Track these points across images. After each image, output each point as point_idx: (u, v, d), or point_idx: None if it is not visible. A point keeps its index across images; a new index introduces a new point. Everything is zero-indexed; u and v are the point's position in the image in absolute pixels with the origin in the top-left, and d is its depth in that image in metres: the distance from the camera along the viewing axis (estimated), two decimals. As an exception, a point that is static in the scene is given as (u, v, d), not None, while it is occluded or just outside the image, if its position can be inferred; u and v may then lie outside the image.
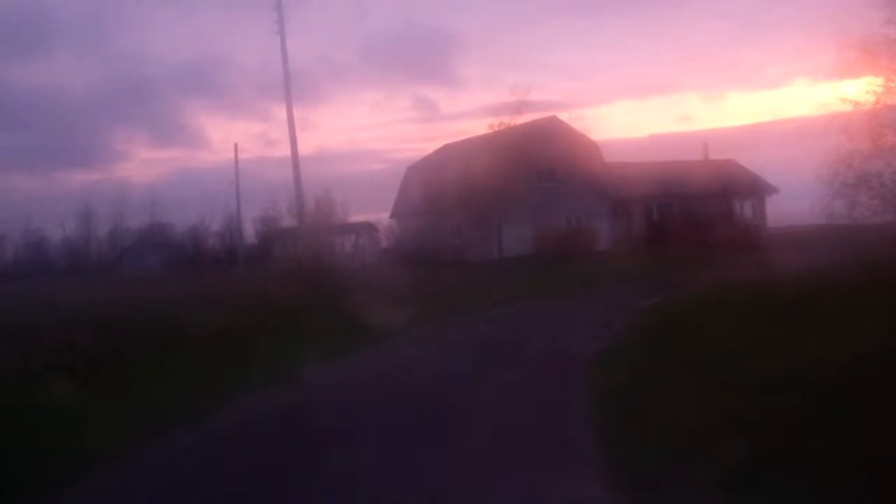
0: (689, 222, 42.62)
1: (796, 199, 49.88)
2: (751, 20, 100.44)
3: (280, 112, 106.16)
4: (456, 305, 21.45)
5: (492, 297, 23.37)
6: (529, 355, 14.03)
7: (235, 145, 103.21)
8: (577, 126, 46.06)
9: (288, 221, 52.95)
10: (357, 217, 58.27)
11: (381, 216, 59.18)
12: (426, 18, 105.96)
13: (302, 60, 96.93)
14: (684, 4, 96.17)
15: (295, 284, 24.94)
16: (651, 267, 32.12)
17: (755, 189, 48.91)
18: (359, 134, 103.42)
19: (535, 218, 42.62)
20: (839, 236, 43.59)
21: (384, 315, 17.61)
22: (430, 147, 78.14)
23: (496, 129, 42.30)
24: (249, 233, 70.83)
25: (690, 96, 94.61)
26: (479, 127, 55.54)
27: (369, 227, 58.94)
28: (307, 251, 35.17)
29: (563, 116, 46.58)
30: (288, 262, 40.14)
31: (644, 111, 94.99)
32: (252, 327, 17.48)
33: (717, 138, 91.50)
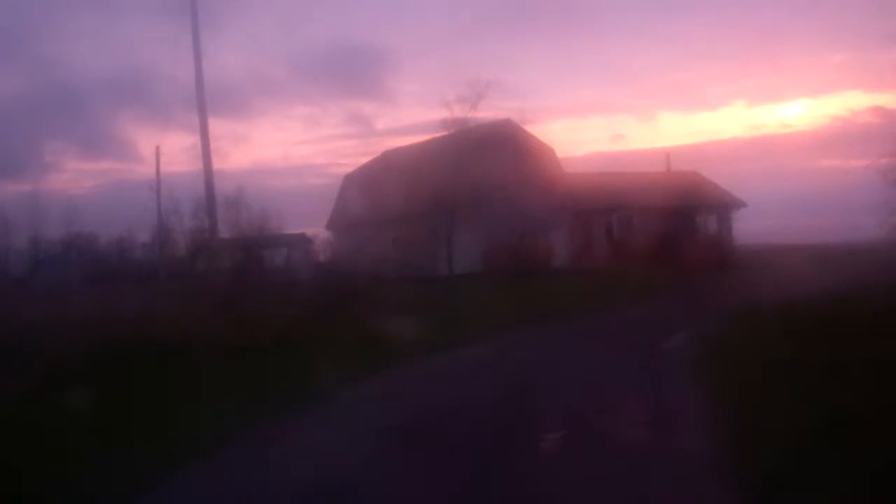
0: (653, 237, 38.95)
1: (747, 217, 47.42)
2: (690, 43, 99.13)
3: (212, 125, 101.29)
4: (402, 346, 15.92)
5: (449, 329, 18.76)
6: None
7: (157, 148, 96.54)
8: (533, 131, 42.12)
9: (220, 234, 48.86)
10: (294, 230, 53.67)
11: (321, 230, 54.66)
12: (360, 34, 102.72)
13: (236, 74, 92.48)
14: (620, 26, 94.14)
15: (203, 305, 20.33)
16: (621, 287, 28.23)
17: (721, 203, 45.52)
18: (296, 148, 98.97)
19: (487, 231, 38.54)
20: (815, 254, 40.64)
21: (296, 367, 13.44)
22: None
23: (449, 124, 38.00)
24: (181, 246, 66.26)
25: (626, 116, 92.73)
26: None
27: (303, 240, 54.09)
28: (225, 266, 30.81)
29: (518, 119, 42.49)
30: (205, 278, 35.34)
31: (582, 130, 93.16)
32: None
33: (656, 156, 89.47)
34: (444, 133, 38.77)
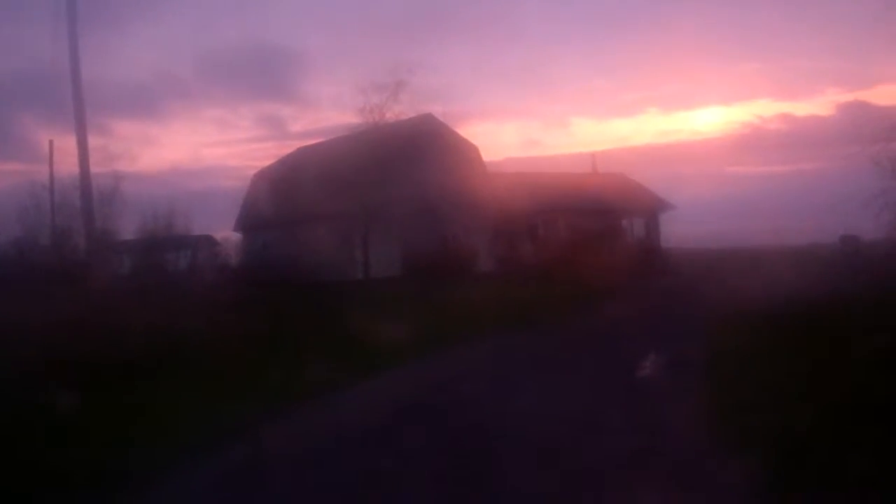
0: (580, 241, 37.07)
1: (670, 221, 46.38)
2: (605, 51, 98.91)
3: (121, 127, 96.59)
4: (294, 379, 12.54)
5: (362, 346, 15.55)
6: None
7: (51, 142, 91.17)
8: (456, 128, 39.79)
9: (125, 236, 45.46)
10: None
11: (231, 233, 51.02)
12: (275, 36, 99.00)
13: (145, 75, 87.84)
14: (535, 33, 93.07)
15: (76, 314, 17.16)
16: (551, 294, 26.02)
17: (648, 206, 43.96)
18: (209, 151, 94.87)
19: (406, 232, 35.98)
20: (743, 258, 39.43)
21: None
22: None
23: (366, 113, 35.23)
24: (82, 249, 62.08)
25: (540, 122, 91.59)
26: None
27: (209, 242, 50.49)
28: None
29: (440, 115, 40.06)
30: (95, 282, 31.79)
31: (497, 135, 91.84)
32: None
33: (572, 162, 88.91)
34: (361, 127, 35.98)
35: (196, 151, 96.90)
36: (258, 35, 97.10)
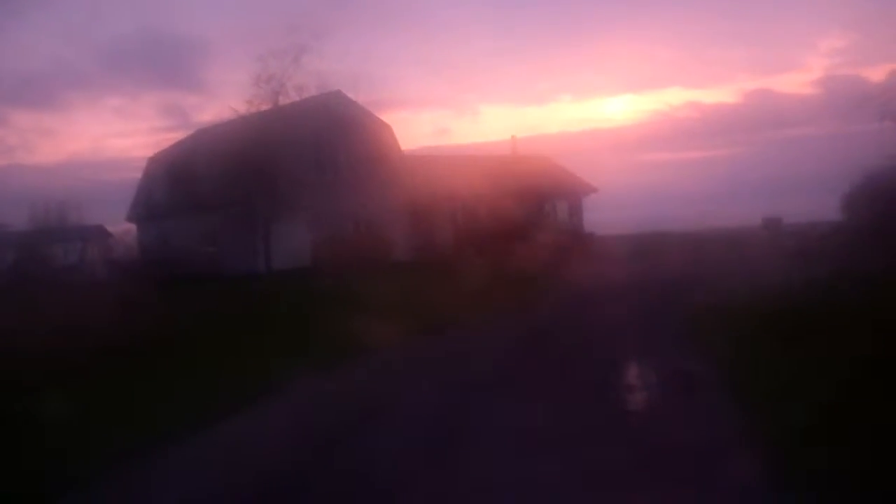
0: (502, 226, 34.83)
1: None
2: (517, 38, 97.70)
3: (18, 117, 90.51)
4: (176, 404, 9.73)
5: (253, 362, 12.52)
6: None
7: None
8: (369, 106, 36.95)
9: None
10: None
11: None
12: (175, 24, 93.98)
13: (44, 63, 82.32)
14: (444, 20, 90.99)
15: None
16: (478, 287, 23.49)
17: (571, 189, 41.99)
18: (112, 141, 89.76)
19: (316, 219, 33.12)
20: (672, 242, 37.90)
21: None
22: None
23: (262, 83, 31.91)
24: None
25: (453, 110, 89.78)
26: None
27: (101, 233, 46.59)
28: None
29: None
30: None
31: (408, 125, 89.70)
32: None
33: (496, 148, 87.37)
34: (259, 100, 32.64)
35: (98, 142, 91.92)
36: (161, 23, 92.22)
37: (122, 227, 44.80)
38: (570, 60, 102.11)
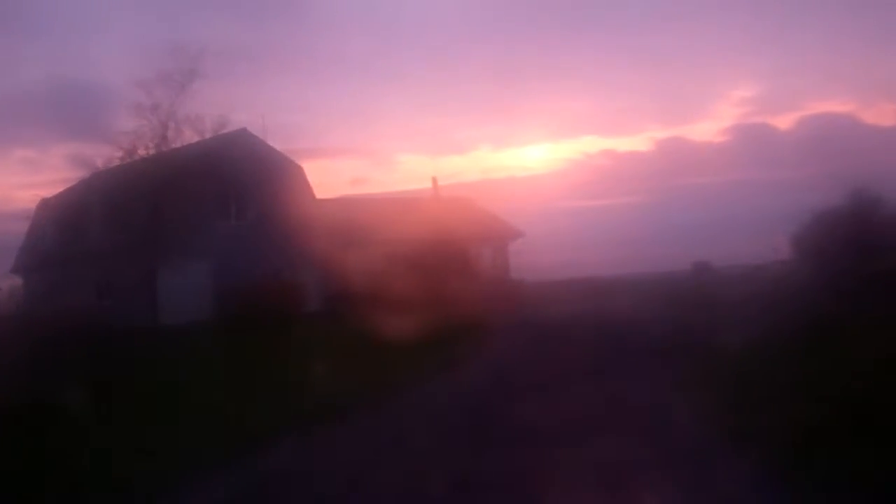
0: (422, 273, 32.34)
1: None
2: (437, 88, 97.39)
3: None
4: None
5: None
6: None
7: None
8: (278, 146, 34.33)
9: None
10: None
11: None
12: (84, 73, 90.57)
13: None
14: (361, 69, 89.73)
15: None
16: (396, 345, 20.80)
17: (496, 233, 39.81)
18: (19, 193, 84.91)
19: (218, 267, 30.15)
20: (600, 288, 36.02)
21: None
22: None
23: (148, 116, 29.06)
24: None
25: (371, 159, 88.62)
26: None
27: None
28: None
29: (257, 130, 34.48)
30: None
31: (322, 174, 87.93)
32: None
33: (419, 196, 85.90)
34: (147, 136, 29.72)
35: (6, 193, 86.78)
36: (68, 72, 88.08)
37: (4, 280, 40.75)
38: (489, 110, 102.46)
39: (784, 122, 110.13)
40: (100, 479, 8.62)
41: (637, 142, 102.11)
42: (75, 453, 9.56)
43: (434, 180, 42.29)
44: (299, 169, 33.90)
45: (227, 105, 37.25)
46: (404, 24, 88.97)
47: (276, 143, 34.23)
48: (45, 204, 39.54)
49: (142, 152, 29.01)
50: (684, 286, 34.86)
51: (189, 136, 29.66)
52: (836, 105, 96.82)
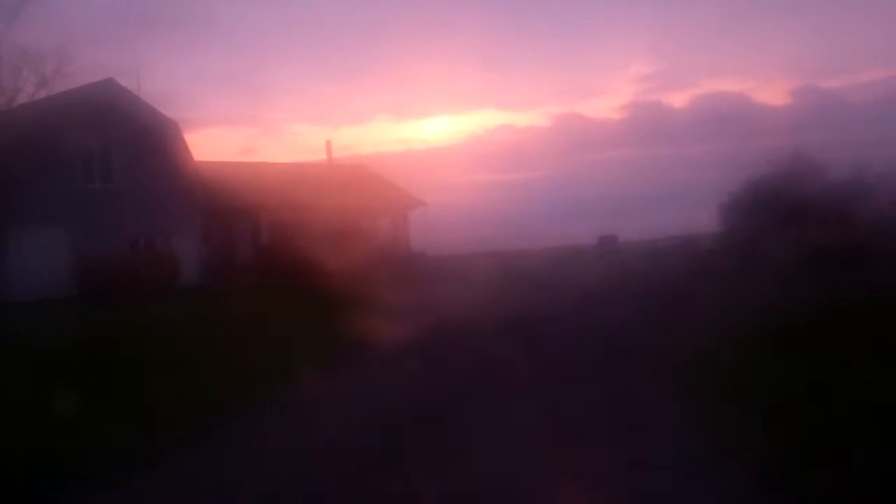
0: (314, 243, 29.41)
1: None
2: (332, 58, 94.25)
3: None
4: None
5: None
6: None
7: None
8: (149, 99, 30.58)
9: None
10: None
11: None
12: None
13: None
14: (256, 38, 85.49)
15: None
16: (281, 327, 17.78)
17: (396, 202, 37.00)
18: None
19: (78, 237, 26.49)
20: (507, 263, 33.83)
21: None
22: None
23: None
24: None
25: (262, 128, 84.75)
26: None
27: None
28: None
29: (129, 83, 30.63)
30: None
31: (211, 143, 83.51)
32: None
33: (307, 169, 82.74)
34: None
35: None
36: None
37: None
38: (386, 81, 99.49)
39: (679, 99, 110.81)
40: None
41: (535, 117, 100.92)
42: None
43: (328, 144, 39.19)
44: (176, 127, 30.27)
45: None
46: None
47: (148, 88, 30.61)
48: None
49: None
50: (595, 261, 33.03)
51: (27, 77, 25.79)
52: (729, 84, 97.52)
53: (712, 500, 5.55)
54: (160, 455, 7.26)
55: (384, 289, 22.04)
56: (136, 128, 28.98)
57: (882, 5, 77.77)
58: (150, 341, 14.02)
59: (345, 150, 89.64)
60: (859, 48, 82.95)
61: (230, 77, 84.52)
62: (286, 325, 15.69)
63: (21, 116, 26.76)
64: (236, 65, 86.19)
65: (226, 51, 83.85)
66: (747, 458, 6.23)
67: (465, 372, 11.41)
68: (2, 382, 10.76)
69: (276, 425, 8.64)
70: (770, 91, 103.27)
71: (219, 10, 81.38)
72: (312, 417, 8.91)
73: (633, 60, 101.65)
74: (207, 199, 30.67)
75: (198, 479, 6.74)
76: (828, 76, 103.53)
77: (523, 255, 35.09)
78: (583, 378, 10.60)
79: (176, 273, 28.22)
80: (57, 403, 8.96)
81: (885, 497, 5.25)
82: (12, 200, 23.54)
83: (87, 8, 65.94)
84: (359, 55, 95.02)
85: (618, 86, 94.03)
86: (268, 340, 14.06)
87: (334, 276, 24.83)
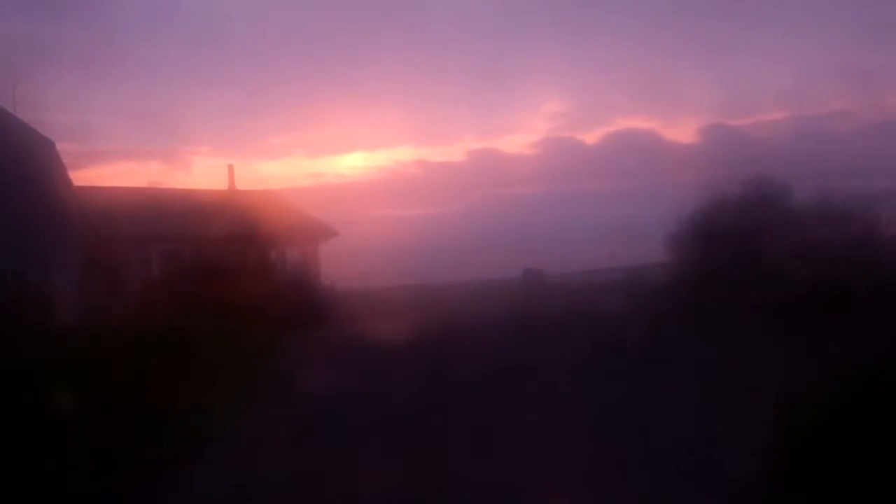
0: (215, 281, 26.07)
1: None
2: (254, 94, 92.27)
3: None
4: None
5: None
6: None
7: None
8: (25, 117, 26.90)
9: None
10: None
11: None
12: None
13: None
14: (168, 73, 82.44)
15: None
16: (167, 384, 14.42)
17: (307, 232, 33.69)
18: None
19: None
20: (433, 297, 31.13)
21: None
22: None
23: None
24: None
25: (174, 163, 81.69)
26: None
27: None
28: None
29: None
30: None
31: (121, 174, 79.98)
32: None
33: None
34: None
35: None
36: None
37: None
38: (303, 117, 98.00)
39: (591, 136, 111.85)
40: None
41: (450, 152, 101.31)
42: None
43: (230, 168, 35.72)
44: (51, 146, 26.59)
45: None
46: (212, 29, 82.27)
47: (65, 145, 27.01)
48: None
49: None
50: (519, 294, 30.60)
51: None
52: (639, 122, 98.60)
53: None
54: None
55: (286, 330, 19.07)
56: (4, 147, 25.26)
57: (783, 52, 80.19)
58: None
59: (259, 184, 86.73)
60: (763, 90, 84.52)
61: (141, 111, 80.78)
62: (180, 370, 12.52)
63: None
64: (147, 99, 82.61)
65: (139, 85, 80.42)
66: None
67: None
68: None
69: None
70: (679, 129, 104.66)
71: (136, 45, 78.31)
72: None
73: (548, 98, 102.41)
74: (89, 227, 27.00)
75: None
76: (734, 115, 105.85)
77: (441, 289, 32.47)
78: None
79: (49, 313, 24.43)
80: None
81: None
82: None
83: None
84: (277, 90, 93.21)
85: (532, 123, 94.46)
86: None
87: (235, 316, 21.77)
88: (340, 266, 34.80)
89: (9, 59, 48.69)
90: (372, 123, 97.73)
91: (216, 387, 12.71)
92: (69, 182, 27.12)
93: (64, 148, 40.36)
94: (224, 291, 24.61)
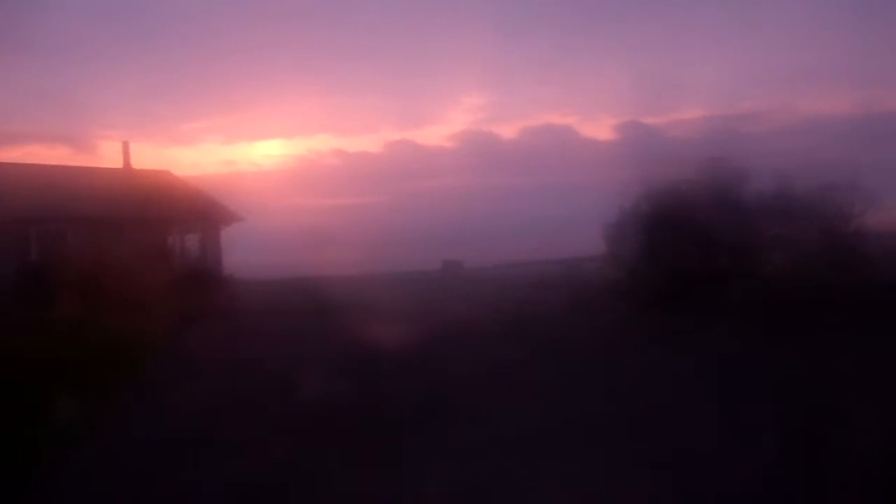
0: (102, 264, 23.51)
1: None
2: (167, 77, 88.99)
3: None
4: None
5: None
6: None
7: None
8: None
9: None
10: None
11: None
12: None
13: None
14: (79, 54, 78.67)
15: None
16: (46, 371, 12.18)
17: (207, 215, 31.00)
18: None
19: None
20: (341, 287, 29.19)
21: None
22: None
23: None
24: None
25: (79, 147, 78.04)
26: None
27: None
28: None
29: None
30: None
31: (29, 158, 75.82)
32: None
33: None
34: None
35: None
36: None
37: None
38: (219, 103, 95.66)
39: (509, 130, 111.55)
40: None
41: (368, 142, 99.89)
42: None
43: (125, 145, 32.73)
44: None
45: None
46: (128, 10, 79.02)
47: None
48: None
49: None
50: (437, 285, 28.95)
51: None
52: (558, 117, 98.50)
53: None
54: None
55: (180, 320, 16.86)
56: None
57: (701, 51, 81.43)
58: None
59: (175, 171, 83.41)
60: (679, 89, 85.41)
61: (48, 93, 76.56)
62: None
63: None
64: (56, 82, 78.50)
65: (47, 66, 76.43)
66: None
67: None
68: None
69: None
70: (596, 125, 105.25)
71: (47, 24, 74.19)
72: None
73: (468, 91, 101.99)
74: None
75: None
76: (649, 113, 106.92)
77: (353, 281, 30.54)
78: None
79: None
80: None
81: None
82: None
83: None
84: (193, 75, 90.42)
85: (451, 115, 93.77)
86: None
87: (124, 306, 19.46)
88: (248, 255, 32.49)
89: None
90: (290, 111, 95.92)
91: (76, 388, 10.56)
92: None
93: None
94: (109, 278, 22.17)
